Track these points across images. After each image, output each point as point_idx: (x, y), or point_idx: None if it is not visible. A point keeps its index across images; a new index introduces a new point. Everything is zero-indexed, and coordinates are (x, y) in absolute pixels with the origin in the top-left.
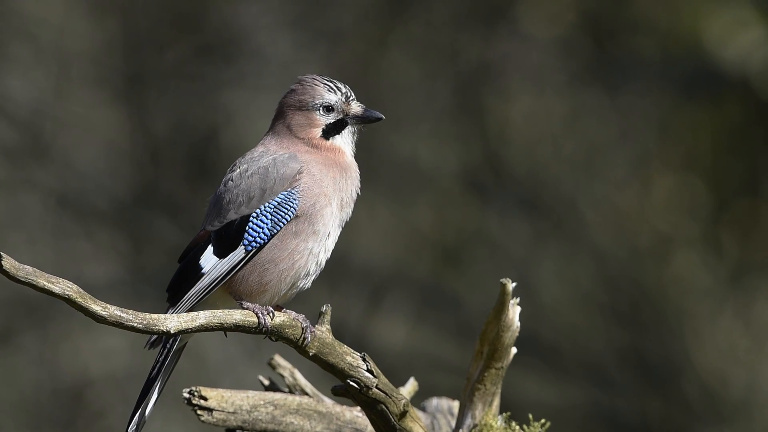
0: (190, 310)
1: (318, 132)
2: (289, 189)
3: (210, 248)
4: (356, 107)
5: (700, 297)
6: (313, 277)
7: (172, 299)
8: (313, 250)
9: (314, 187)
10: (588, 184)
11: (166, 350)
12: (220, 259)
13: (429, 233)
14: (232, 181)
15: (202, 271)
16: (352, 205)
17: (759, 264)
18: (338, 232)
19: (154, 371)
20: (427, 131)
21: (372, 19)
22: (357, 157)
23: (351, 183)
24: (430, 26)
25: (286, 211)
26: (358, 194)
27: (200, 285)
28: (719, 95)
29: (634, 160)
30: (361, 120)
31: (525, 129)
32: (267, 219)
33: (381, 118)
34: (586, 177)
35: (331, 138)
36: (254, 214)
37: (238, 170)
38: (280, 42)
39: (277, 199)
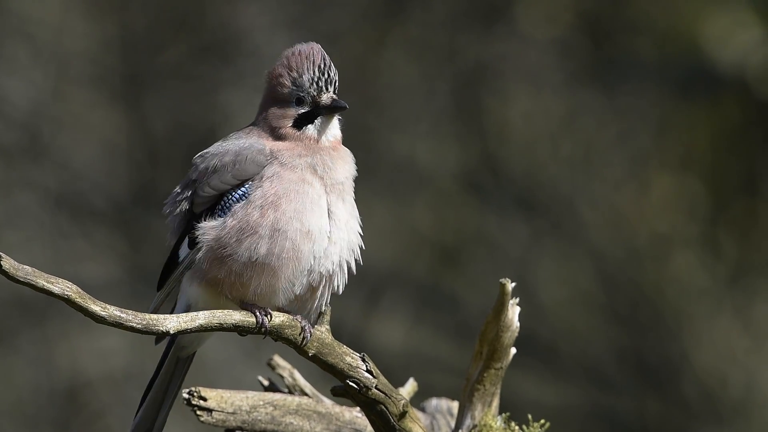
0: (168, 295)
1: (289, 122)
2: (252, 180)
3: (187, 239)
4: (326, 98)
5: (698, 297)
6: (331, 268)
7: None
8: (299, 240)
9: (285, 174)
10: (586, 185)
11: (162, 356)
12: (190, 250)
13: (427, 233)
14: (203, 163)
15: (179, 260)
16: (345, 181)
17: (757, 264)
18: (344, 213)
19: (151, 379)
20: (425, 131)
21: (369, 20)
22: (357, 156)
23: (330, 161)
24: (428, 26)
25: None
26: (354, 171)
27: (175, 273)
28: (717, 96)
29: (632, 161)
30: (328, 110)
31: (523, 129)
32: (228, 209)
33: (345, 108)
34: (584, 177)
35: (303, 128)
36: (221, 203)
37: (209, 156)
38: (277, 42)
39: (241, 189)
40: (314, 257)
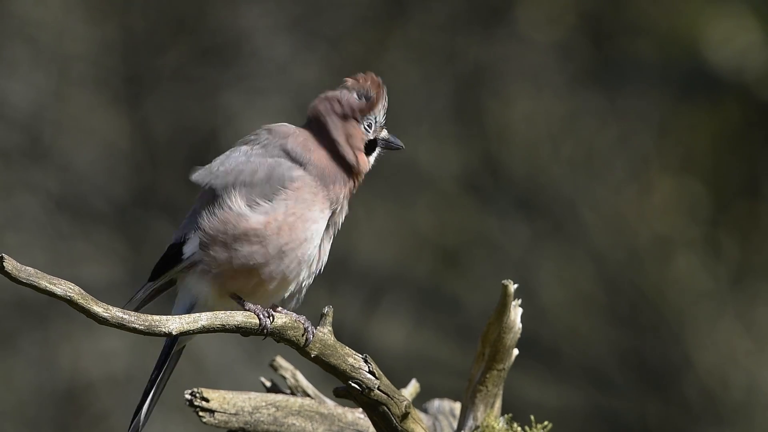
0: (176, 300)
1: (362, 144)
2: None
3: (199, 239)
4: (385, 133)
5: (700, 299)
6: (307, 282)
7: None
8: (293, 267)
9: (308, 198)
10: (587, 186)
11: (165, 353)
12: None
13: (428, 235)
14: (233, 158)
15: (183, 257)
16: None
17: (759, 266)
18: (327, 242)
19: (153, 374)
20: (427, 133)
21: (370, 22)
22: None
23: (346, 202)
24: (429, 28)
25: None
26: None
27: (176, 268)
28: (718, 97)
29: (633, 162)
30: (386, 145)
31: (524, 131)
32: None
33: (400, 148)
34: (586, 179)
35: (370, 154)
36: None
37: (242, 151)
38: (278, 44)
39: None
40: (300, 278)
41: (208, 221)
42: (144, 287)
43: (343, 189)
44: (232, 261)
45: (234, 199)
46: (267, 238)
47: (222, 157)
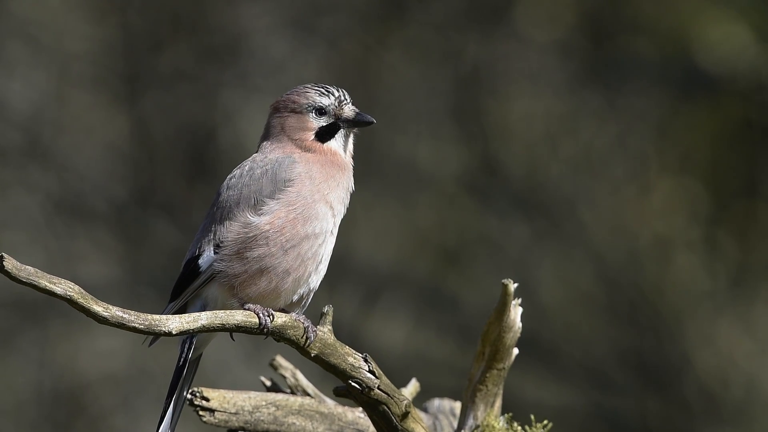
0: (186, 304)
1: (311, 135)
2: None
3: (212, 246)
4: (348, 111)
5: (699, 299)
6: (317, 284)
7: (172, 297)
8: (297, 265)
9: (313, 188)
10: (587, 186)
11: (183, 360)
12: (215, 255)
13: (428, 234)
14: (236, 179)
15: (200, 270)
16: (347, 203)
17: (758, 265)
18: (334, 237)
19: (173, 381)
20: (426, 132)
21: (370, 21)
22: (356, 156)
23: (348, 181)
24: (428, 28)
25: None
26: (352, 190)
27: (197, 282)
28: (717, 97)
29: (633, 162)
30: (352, 123)
31: (523, 130)
32: None
33: (372, 122)
34: (585, 178)
35: (325, 142)
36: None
37: (243, 171)
38: (278, 43)
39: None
40: (308, 278)
41: (228, 261)
42: (166, 309)
43: (341, 178)
44: (247, 270)
45: (244, 214)
46: (270, 237)
47: (225, 185)
